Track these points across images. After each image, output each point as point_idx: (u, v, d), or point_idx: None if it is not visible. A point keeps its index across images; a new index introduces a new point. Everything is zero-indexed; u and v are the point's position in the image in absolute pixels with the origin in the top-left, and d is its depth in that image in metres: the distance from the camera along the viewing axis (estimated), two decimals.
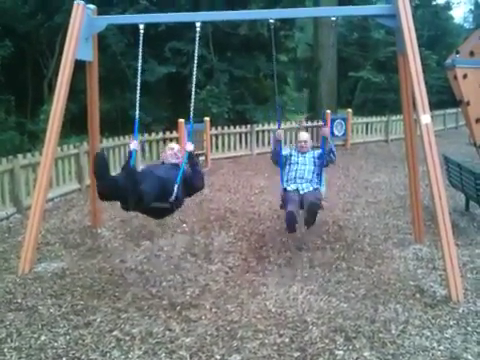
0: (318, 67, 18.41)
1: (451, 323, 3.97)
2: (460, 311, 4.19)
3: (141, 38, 5.33)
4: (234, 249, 5.92)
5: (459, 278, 4.43)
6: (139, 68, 5.36)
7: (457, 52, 12.30)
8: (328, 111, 14.13)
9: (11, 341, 3.72)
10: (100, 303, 4.37)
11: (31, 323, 3.99)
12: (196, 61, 5.12)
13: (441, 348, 3.59)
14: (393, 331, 3.83)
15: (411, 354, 3.50)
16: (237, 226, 6.80)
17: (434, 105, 21.73)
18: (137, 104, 5.31)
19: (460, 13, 58.03)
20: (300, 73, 25.83)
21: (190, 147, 5.05)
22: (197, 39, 5.18)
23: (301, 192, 5.63)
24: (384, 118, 15.81)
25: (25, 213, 7.34)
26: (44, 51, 17.39)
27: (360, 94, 25.44)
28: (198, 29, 5.22)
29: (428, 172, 4.69)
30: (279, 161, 6.00)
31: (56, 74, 17.15)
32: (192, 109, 5.12)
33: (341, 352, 3.53)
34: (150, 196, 4.40)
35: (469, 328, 3.89)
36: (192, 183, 4.95)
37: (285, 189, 5.76)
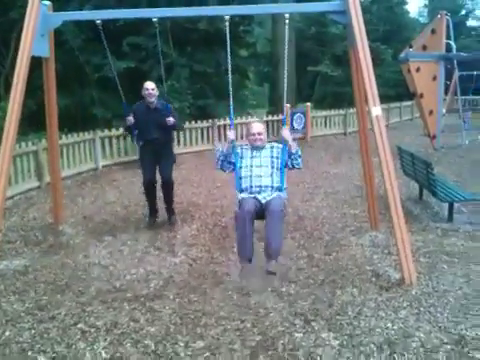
0: (277, 62, 18.62)
1: (404, 304, 4.18)
2: (413, 293, 4.40)
3: (102, 33, 5.39)
4: (197, 241, 6.02)
5: (411, 262, 4.65)
6: (111, 63, 6.92)
7: (410, 46, 12.74)
8: (288, 105, 14.36)
9: None
10: (64, 298, 4.40)
11: None
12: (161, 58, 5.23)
13: (395, 327, 3.78)
14: (350, 313, 4.02)
15: (366, 334, 3.68)
16: (200, 219, 6.89)
17: (392, 98, 22.36)
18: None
19: (415, 8, 59.40)
20: (260, 68, 26.05)
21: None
22: (158, 35, 5.31)
23: (262, 201, 4.81)
24: (342, 111, 16.15)
25: None
26: None
27: (320, 88, 25.81)
28: (156, 25, 5.29)
29: (380, 162, 4.89)
30: (229, 167, 5.20)
31: (12, 71, 16.75)
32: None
33: (300, 334, 3.68)
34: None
35: (421, 308, 4.11)
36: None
37: (240, 200, 4.91)
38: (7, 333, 3.78)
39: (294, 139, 5.24)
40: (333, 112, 16.13)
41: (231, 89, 5.25)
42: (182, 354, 3.45)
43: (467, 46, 28.68)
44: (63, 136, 9.57)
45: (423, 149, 12.31)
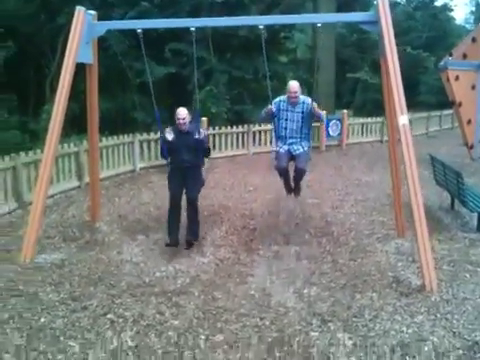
0: (316, 68, 18.69)
1: (422, 310, 4.27)
2: (432, 299, 4.48)
3: (142, 41, 5.67)
4: (225, 243, 6.22)
5: (433, 269, 4.72)
6: (147, 71, 6.62)
7: (450, 54, 12.62)
8: (324, 112, 14.43)
9: (13, 322, 4.04)
10: (96, 290, 4.68)
11: (31, 307, 4.31)
12: (195, 66, 5.53)
13: (409, 331, 3.89)
14: (366, 316, 4.14)
15: (380, 336, 3.80)
16: (229, 221, 7.10)
17: (433, 106, 22.07)
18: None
19: (462, 15, 58.13)
20: (300, 74, 26.21)
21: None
22: (194, 44, 5.56)
23: (293, 153, 6.17)
24: (379, 119, 16.07)
25: (27, 209, 7.65)
26: (46, 52, 17.66)
27: (360, 95, 25.69)
28: (194, 34, 5.55)
29: (405, 171, 4.97)
30: (269, 120, 6.53)
31: (58, 74, 17.45)
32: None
33: (316, 333, 3.84)
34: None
35: (438, 315, 4.19)
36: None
37: (278, 151, 6.20)
38: (42, 319, 4.09)
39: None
40: (370, 120, 16.06)
41: (270, 93, 6.17)
42: (202, 346, 3.67)
43: None
44: (103, 138, 9.95)
45: (460, 159, 12.15)
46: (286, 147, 6.22)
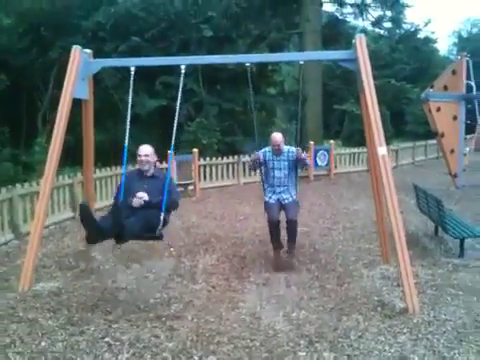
0: (304, 101, 19.17)
1: (404, 331, 4.50)
2: (414, 321, 4.71)
3: (132, 78, 5.93)
4: (217, 270, 6.42)
5: (415, 292, 4.97)
6: (129, 104, 6.02)
7: (432, 86, 13.13)
8: (311, 142, 14.86)
9: (14, 347, 4.22)
10: (93, 316, 4.86)
11: (32, 332, 4.49)
12: (179, 100, 5.71)
13: (392, 351, 4.11)
14: (352, 337, 4.36)
15: (365, 355, 4.03)
16: (221, 250, 7.32)
17: (420, 136, 22.57)
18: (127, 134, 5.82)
19: (445, 46, 59.84)
20: (288, 106, 26.78)
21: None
22: (181, 79, 5.85)
23: (282, 202, 6.48)
24: (366, 149, 16.45)
25: (23, 239, 7.85)
26: (38, 85, 18.03)
27: (348, 125, 26.25)
28: (183, 71, 5.87)
29: (386, 200, 5.26)
30: (257, 169, 6.72)
31: (50, 107, 17.85)
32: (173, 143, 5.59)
33: (304, 353, 4.06)
34: (135, 231, 4.97)
35: (420, 335, 4.42)
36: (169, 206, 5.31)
37: (266, 202, 6.52)
38: (43, 344, 4.27)
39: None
40: (357, 150, 16.48)
41: (255, 125, 6.52)
42: None
43: None
44: (97, 170, 10.19)
45: (445, 187, 12.52)
46: (275, 197, 6.53)
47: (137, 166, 5.68)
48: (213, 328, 4.55)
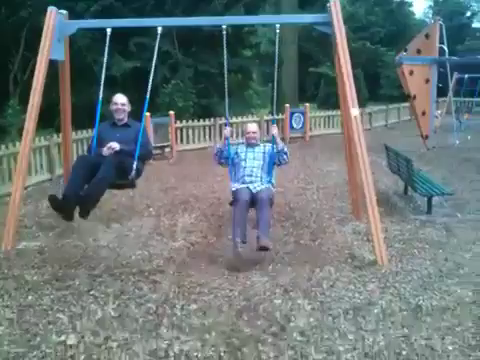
0: (280, 63, 19.12)
1: (373, 280, 4.81)
2: (383, 271, 5.02)
3: (107, 40, 5.91)
4: (196, 229, 6.63)
5: (383, 245, 5.27)
6: (104, 65, 5.93)
7: (405, 50, 13.30)
8: (287, 105, 15.00)
9: (2, 301, 4.38)
10: (78, 272, 5.04)
11: (19, 287, 4.65)
12: (154, 63, 5.74)
13: (361, 297, 4.42)
14: (324, 286, 4.66)
15: (336, 301, 4.32)
16: (199, 209, 7.51)
17: (396, 98, 22.84)
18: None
19: (421, 9, 59.83)
20: (264, 68, 26.72)
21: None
22: (157, 41, 5.88)
23: (253, 191, 5.56)
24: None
25: (1, 201, 7.91)
26: (9, 46, 17.56)
27: (324, 89, 26.38)
28: (159, 32, 5.90)
29: (357, 159, 5.49)
30: (225, 161, 5.96)
31: (21, 69, 17.35)
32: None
33: (279, 301, 4.34)
34: (107, 182, 5.05)
35: (388, 284, 4.73)
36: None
37: (235, 190, 5.63)
38: (30, 298, 4.44)
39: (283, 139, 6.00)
40: (332, 112, 16.68)
41: (227, 90, 5.92)
42: (179, 314, 4.12)
43: (472, 48, 29.11)
44: (73, 133, 10.18)
45: (416, 149, 12.86)
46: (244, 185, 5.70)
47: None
48: (193, 280, 4.79)
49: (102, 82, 5.86)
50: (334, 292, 4.52)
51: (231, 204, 5.65)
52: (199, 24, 6.96)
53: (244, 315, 4.06)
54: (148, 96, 5.63)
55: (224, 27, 5.83)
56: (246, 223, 5.47)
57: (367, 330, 3.83)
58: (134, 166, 5.19)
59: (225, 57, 5.85)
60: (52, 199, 4.94)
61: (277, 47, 5.95)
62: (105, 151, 5.22)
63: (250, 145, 5.98)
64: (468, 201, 7.83)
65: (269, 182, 5.81)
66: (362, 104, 20.95)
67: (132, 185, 5.47)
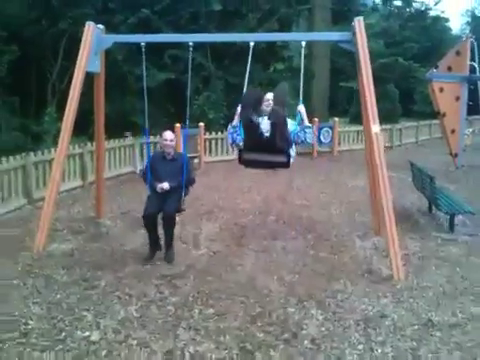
0: (311, 77, 19.29)
1: (388, 294, 4.91)
2: (398, 287, 5.12)
3: (143, 55, 6.25)
4: (218, 238, 6.84)
5: (400, 260, 5.36)
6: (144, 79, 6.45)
7: (436, 67, 13.32)
8: (316, 119, 15.13)
9: (33, 298, 4.69)
10: (104, 274, 5.31)
11: (48, 286, 4.96)
12: (190, 76, 6.04)
13: (374, 310, 4.54)
14: (339, 297, 4.80)
15: (348, 312, 4.46)
16: (223, 219, 7.73)
17: (428, 115, 22.63)
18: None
19: (458, 25, 58.94)
20: (295, 81, 26.86)
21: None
22: (190, 59, 6.30)
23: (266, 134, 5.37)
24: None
25: (35, 204, 8.30)
26: (48, 56, 18.24)
27: (356, 104, 26.33)
28: (190, 49, 6.20)
29: (377, 176, 5.62)
30: (238, 137, 5.66)
31: (59, 78, 17.99)
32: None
33: (293, 309, 4.50)
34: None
35: (401, 298, 4.83)
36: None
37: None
38: (58, 296, 4.74)
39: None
40: (361, 127, 16.62)
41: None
42: (196, 317, 4.35)
43: None
44: (106, 141, 10.55)
45: (445, 167, 12.82)
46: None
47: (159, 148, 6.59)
48: (212, 287, 5.00)
49: (145, 94, 6.41)
50: (348, 304, 4.65)
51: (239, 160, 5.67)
52: (228, 40, 7.22)
53: (258, 321, 4.24)
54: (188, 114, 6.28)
55: (251, 44, 6.08)
56: None
57: (377, 341, 3.96)
58: (183, 196, 6.02)
59: (248, 70, 5.95)
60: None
61: (302, 62, 6.13)
62: (158, 188, 5.98)
63: (265, 114, 5.53)
64: None
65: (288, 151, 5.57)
66: (395, 120, 20.92)
67: (184, 210, 6.17)
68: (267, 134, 5.38)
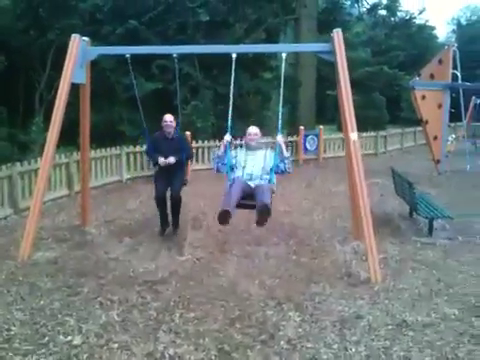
0: (298, 85, 19.50)
1: (364, 296, 5.05)
2: (375, 289, 5.26)
3: (130, 66, 6.45)
4: (202, 244, 6.94)
5: (377, 263, 5.51)
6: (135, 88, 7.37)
7: (419, 75, 13.58)
8: (301, 127, 15.35)
9: (16, 304, 4.77)
10: (87, 280, 5.41)
11: (32, 293, 5.04)
12: (178, 86, 6.22)
13: (350, 311, 4.67)
14: (317, 300, 4.93)
15: (325, 314, 4.59)
16: (207, 226, 7.84)
17: (416, 122, 22.85)
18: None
19: (444, 32, 59.74)
20: (283, 90, 27.06)
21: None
22: (176, 67, 6.83)
23: (252, 185, 5.77)
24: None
25: (21, 214, 8.36)
26: (36, 66, 18.31)
27: None
28: (176, 61, 6.39)
29: (354, 182, 5.78)
30: (223, 168, 6.01)
31: (47, 88, 18.01)
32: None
33: (271, 312, 4.63)
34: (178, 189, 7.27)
35: (378, 300, 4.98)
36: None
37: (232, 179, 5.78)
38: (41, 302, 4.82)
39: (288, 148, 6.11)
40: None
41: (231, 105, 6.19)
42: (177, 320, 4.46)
43: None
44: (92, 151, 10.65)
45: (428, 172, 13.05)
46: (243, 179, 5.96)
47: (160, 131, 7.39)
48: (194, 292, 5.11)
49: (139, 103, 7.30)
50: (325, 306, 4.78)
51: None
52: (211, 52, 7.39)
53: (237, 323, 4.36)
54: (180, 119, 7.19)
55: (234, 55, 6.25)
56: (238, 198, 5.58)
57: (351, 341, 4.09)
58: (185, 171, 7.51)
59: (232, 80, 6.27)
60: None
61: (283, 73, 6.32)
62: (162, 162, 7.10)
63: (250, 148, 6.08)
64: (472, 225, 7.98)
65: (270, 181, 5.88)
66: (382, 127, 21.15)
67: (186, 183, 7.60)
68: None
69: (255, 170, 5.94)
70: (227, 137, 6.06)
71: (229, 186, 5.76)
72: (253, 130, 6.14)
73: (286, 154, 6.03)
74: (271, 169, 5.92)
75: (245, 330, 4.25)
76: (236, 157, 6.09)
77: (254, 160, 6.00)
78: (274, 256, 6.44)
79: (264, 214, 5.31)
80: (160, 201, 7.21)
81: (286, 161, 5.97)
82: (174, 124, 7.33)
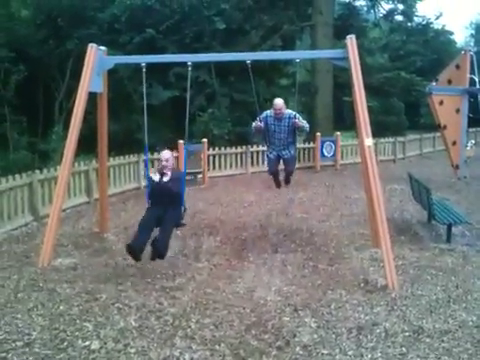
0: (315, 92, 19.48)
1: (381, 303, 5.03)
2: (392, 295, 5.24)
3: (144, 76, 6.51)
4: (219, 251, 6.98)
5: (394, 270, 5.48)
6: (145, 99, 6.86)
7: (436, 80, 13.48)
8: (318, 133, 15.32)
9: (37, 310, 4.86)
10: (106, 286, 5.48)
11: (51, 299, 5.12)
12: (189, 94, 6.27)
13: (367, 318, 4.66)
14: (333, 307, 4.92)
15: (341, 321, 4.58)
16: (224, 233, 7.87)
17: (435, 128, 22.64)
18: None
19: (462, 37, 59.14)
20: (300, 97, 27.09)
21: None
22: (189, 78, 6.87)
23: (282, 157, 7.49)
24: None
25: (41, 221, 8.49)
26: (55, 75, 18.61)
27: None
28: (190, 69, 6.46)
29: (369, 188, 5.76)
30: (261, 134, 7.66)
31: (66, 97, 18.32)
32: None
33: (288, 318, 4.64)
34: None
35: (395, 307, 4.95)
36: None
37: (269, 156, 7.62)
38: (61, 307, 4.90)
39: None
40: None
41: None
42: (193, 326, 4.50)
43: None
44: (111, 158, 10.79)
45: (448, 178, 12.92)
46: (275, 153, 7.51)
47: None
48: (211, 298, 5.14)
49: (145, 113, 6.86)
50: (341, 312, 4.77)
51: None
52: (225, 60, 7.48)
53: (253, 330, 4.38)
54: (187, 136, 6.89)
55: (248, 62, 6.31)
56: (279, 179, 7.80)
57: (367, 348, 4.08)
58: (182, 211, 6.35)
59: (253, 86, 7.10)
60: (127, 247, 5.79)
61: (297, 78, 6.37)
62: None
63: (277, 119, 7.25)
64: None
65: (293, 146, 7.53)
66: (402, 133, 20.97)
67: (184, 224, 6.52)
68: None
69: (283, 139, 7.36)
70: (260, 124, 7.23)
71: (268, 158, 7.85)
72: (279, 105, 7.22)
73: (299, 124, 7.24)
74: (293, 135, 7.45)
75: (261, 336, 4.27)
76: (267, 121, 7.31)
77: (280, 129, 7.29)
78: (291, 263, 6.45)
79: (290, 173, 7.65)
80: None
81: (302, 126, 7.27)
82: (171, 162, 6.33)
